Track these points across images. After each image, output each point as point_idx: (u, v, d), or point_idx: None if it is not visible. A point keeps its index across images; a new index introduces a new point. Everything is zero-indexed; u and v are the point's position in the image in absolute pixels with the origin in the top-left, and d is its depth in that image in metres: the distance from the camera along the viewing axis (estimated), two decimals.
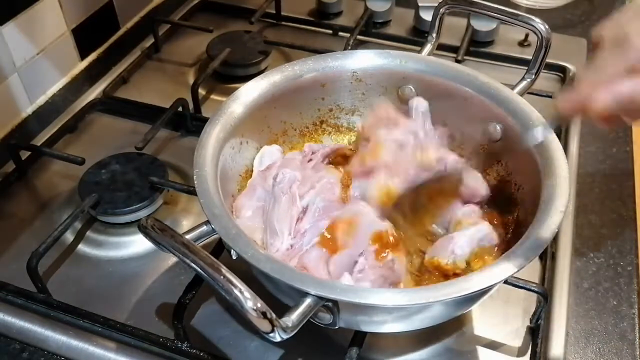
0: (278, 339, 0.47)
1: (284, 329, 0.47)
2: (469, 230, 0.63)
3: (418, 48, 0.81)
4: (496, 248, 0.64)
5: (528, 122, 0.65)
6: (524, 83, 0.74)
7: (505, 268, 0.52)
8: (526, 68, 0.74)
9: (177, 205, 0.80)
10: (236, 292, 0.45)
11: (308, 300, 0.49)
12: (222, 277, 0.46)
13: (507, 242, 0.64)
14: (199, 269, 0.47)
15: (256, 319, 0.46)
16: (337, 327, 0.54)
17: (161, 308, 0.67)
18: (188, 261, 0.48)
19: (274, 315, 0.46)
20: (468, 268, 0.61)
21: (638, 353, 0.64)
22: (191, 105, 0.91)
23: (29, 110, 0.93)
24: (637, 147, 0.87)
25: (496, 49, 1.05)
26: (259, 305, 0.45)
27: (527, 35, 1.05)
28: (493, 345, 0.65)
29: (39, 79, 0.94)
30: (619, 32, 0.49)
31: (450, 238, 0.63)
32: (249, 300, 0.45)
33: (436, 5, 0.79)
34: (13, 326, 0.65)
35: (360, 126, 0.74)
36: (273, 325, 0.46)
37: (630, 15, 0.50)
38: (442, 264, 0.61)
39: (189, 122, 0.90)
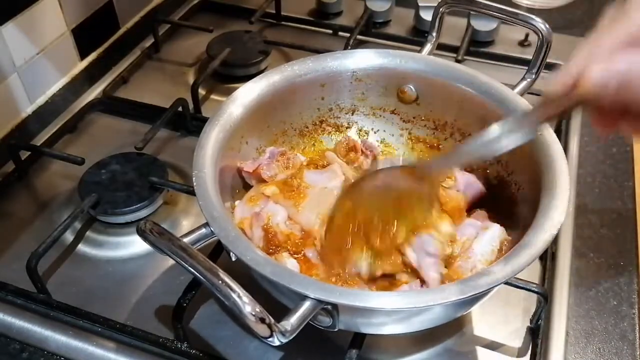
0: (277, 343, 0.47)
1: (283, 333, 0.46)
2: (482, 240, 0.62)
3: (418, 48, 0.81)
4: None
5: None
6: (524, 83, 0.74)
7: (506, 270, 0.52)
8: (526, 68, 0.74)
9: (177, 206, 0.80)
10: (234, 296, 0.45)
11: (307, 304, 0.49)
12: (220, 281, 0.46)
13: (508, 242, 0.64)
14: (197, 274, 0.47)
15: (254, 324, 0.45)
16: (336, 330, 0.54)
17: (161, 308, 0.68)
18: (186, 265, 0.48)
19: (272, 320, 0.46)
20: None
21: (638, 353, 0.64)
22: (191, 105, 0.90)
23: (29, 110, 0.93)
24: (637, 147, 0.87)
25: (496, 49, 1.04)
26: (257, 310, 0.45)
27: (527, 35, 1.05)
28: (493, 346, 0.65)
29: (39, 79, 0.94)
30: (618, 12, 0.47)
31: (467, 259, 0.61)
32: (247, 305, 0.45)
33: (436, 5, 0.79)
34: (13, 326, 0.66)
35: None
36: (271, 330, 0.46)
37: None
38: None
39: (189, 122, 0.89)
